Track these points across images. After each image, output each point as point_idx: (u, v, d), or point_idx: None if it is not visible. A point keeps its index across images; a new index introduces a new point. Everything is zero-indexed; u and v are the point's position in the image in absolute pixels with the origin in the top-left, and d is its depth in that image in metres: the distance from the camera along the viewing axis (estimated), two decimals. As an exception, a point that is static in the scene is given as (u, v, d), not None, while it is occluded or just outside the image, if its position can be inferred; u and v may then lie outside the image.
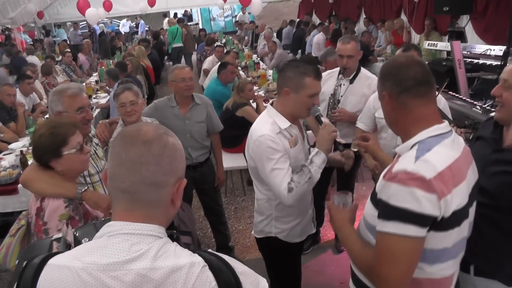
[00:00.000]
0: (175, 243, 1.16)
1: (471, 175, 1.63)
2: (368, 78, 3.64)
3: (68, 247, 1.37)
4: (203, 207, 4.15)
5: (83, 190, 2.13)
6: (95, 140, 2.81)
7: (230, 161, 5.00)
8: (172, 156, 1.17)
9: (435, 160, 1.46)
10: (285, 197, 2.28)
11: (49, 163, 2.12)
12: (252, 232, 2.73)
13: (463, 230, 1.58)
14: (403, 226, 1.42)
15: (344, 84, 3.67)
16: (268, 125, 2.32)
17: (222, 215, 4.15)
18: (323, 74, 3.83)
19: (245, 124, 5.16)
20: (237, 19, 15.41)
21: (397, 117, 1.64)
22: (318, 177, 2.33)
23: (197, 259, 1.12)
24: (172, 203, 1.19)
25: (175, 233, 1.29)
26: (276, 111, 2.38)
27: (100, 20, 14.38)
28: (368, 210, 1.66)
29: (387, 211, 1.47)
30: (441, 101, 3.07)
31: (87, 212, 2.18)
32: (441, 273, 1.58)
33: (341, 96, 3.66)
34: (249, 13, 16.36)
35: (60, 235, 1.45)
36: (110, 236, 1.11)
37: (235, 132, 5.13)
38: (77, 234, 1.37)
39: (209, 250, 1.25)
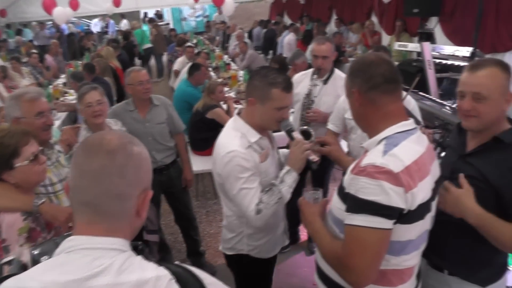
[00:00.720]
0: (140, 256, 1.10)
1: (435, 171, 1.70)
2: (342, 79, 3.50)
3: (23, 268, 1.28)
4: (173, 212, 4.06)
5: (39, 203, 2.02)
6: (57, 147, 2.68)
7: (200, 164, 4.91)
8: (137, 166, 1.12)
9: (402, 155, 1.50)
10: (253, 219, 2.17)
11: (1, 176, 2.00)
12: (220, 247, 2.57)
13: (426, 223, 1.65)
14: (372, 218, 1.47)
15: (318, 85, 3.66)
16: (237, 140, 2.18)
17: (193, 220, 4.06)
18: (297, 75, 3.83)
19: (216, 127, 5.08)
20: (213, 19, 15.27)
21: (365, 113, 1.68)
22: (288, 197, 2.22)
23: (163, 272, 1.06)
24: (137, 214, 1.13)
25: (140, 244, 1.22)
26: (244, 123, 2.24)
27: (68, 19, 14.06)
28: (335, 204, 1.71)
29: (356, 205, 1.51)
30: (411, 103, 3.07)
31: (49, 222, 2.08)
32: (405, 264, 1.65)
33: (315, 97, 3.65)
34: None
35: (11, 257, 1.36)
36: (69, 252, 1.05)
37: (205, 134, 5.04)
38: (35, 253, 1.29)
39: (176, 262, 1.20)
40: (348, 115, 3.07)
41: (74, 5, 11.37)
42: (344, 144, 3.60)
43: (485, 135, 1.84)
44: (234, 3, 10.23)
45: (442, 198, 1.79)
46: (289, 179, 2.20)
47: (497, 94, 1.77)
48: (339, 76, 3.65)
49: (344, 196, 1.59)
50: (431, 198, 1.63)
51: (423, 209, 1.56)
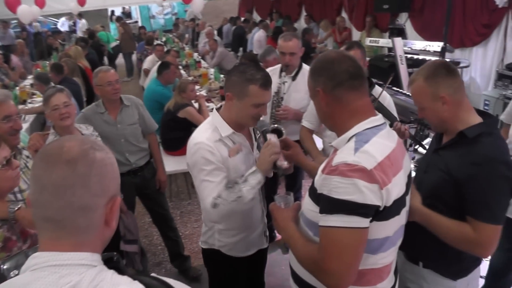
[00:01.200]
0: (112, 270, 1.03)
1: (406, 165, 1.69)
2: None
3: None
4: (150, 213, 3.96)
5: (15, 208, 1.91)
6: (26, 152, 2.57)
7: (173, 164, 4.84)
8: (102, 174, 1.04)
9: (374, 151, 1.48)
10: (209, 212, 2.14)
11: None
12: (200, 241, 2.58)
13: (402, 218, 1.64)
14: (347, 218, 1.42)
15: (286, 82, 3.63)
16: (207, 132, 2.18)
17: (171, 220, 3.95)
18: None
19: (188, 126, 5.02)
20: (187, 16, 15.07)
21: (332, 112, 1.64)
22: (249, 197, 2.14)
23: (137, 286, 1.00)
24: (106, 224, 1.06)
25: (115, 255, 1.15)
26: (219, 117, 2.22)
27: (34, 18, 13.64)
28: (307, 206, 1.65)
29: (330, 205, 1.45)
30: (386, 98, 3.08)
31: (24, 231, 1.97)
32: (382, 262, 1.63)
33: (284, 93, 3.61)
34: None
35: None
36: (35, 270, 0.97)
37: (177, 134, 4.98)
38: (4, 267, 1.21)
39: (153, 274, 1.12)
40: None
41: (40, 4, 11.01)
42: (319, 141, 3.58)
43: (453, 131, 1.90)
44: (203, 1, 10.10)
45: None
46: (253, 180, 2.14)
47: (427, 103, 1.91)
48: (307, 70, 3.61)
49: (317, 197, 1.54)
50: (405, 193, 1.62)
51: (398, 204, 1.54)
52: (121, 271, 1.05)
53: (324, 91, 1.60)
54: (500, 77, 5.68)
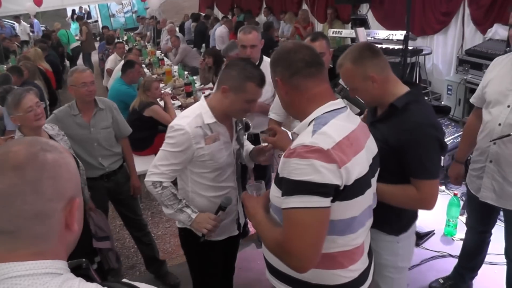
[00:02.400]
0: (79, 278, 0.97)
1: (370, 147, 1.73)
2: None
3: None
4: (122, 219, 3.85)
5: None
6: None
7: (141, 164, 4.70)
8: (55, 176, 0.97)
9: (332, 132, 1.51)
10: (147, 182, 2.35)
11: None
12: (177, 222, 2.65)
13: (368, 198, 1.68)
14: (307, 198, 1.45)
15: None
16: (191, 118, 2.28)
17: (144, 226, 3.85)
18: None
19: (154, 125, 4.95)
20: (147, 14, 14.81)
21: (292, 99, 1.68)
22: (167, 212, 2.39)
23: None
24: (67, 228, 1.00)
25: (84, 261, 1.09)
26: (206, 105, 2.32)
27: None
28: (273, 193, 1.68)
29: (290, 187, 1.49)
30: None
31: None
32: (352, 243, 1.67)
33: None
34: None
35: None
36: None
37: (144, 133, 4.89)
38: None
39: (124, 280, 1.07)
40: None
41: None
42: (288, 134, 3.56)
43: (385, 104, 2.08)
44: (159, -2, 9.97)
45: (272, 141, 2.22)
46: (182, 216, 2.35)
47: (358, 84, 2.05)
48: (269, 62, 3.62)
49: (280, 181, 1.57)
50: (370, 173, 1.65)
51: (361, 184, 1.58)
52: (90, 279, 0.99)
53: (282, 80, 1.66)
54: (461, 62, 5.81)
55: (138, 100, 4.95)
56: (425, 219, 4.18)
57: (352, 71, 2.04)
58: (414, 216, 2.32)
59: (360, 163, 1.57)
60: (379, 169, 1.83)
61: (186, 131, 2.24)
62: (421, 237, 3.91)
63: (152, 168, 2.36)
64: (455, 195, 3.97)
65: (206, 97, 2.40)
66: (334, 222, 1.54)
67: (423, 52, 6.19)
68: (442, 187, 4.70)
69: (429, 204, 2.06)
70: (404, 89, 2.07)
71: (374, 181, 1.75)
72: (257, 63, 3.60)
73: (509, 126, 2.49)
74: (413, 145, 1.95)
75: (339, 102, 1.66)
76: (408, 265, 2.37)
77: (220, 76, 2.34)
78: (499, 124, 2.54)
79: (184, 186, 2.48)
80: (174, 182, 2.46)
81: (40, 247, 0.95)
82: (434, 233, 4.01)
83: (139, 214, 3.81)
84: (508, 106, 2.50)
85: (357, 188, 1.55)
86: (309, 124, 1.59)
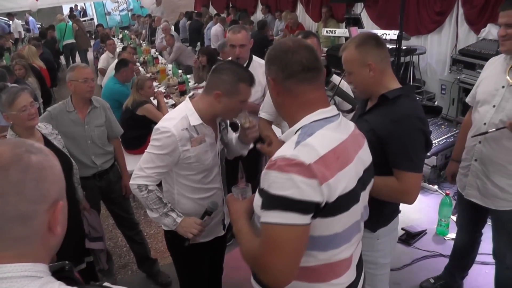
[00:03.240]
0: (59, 282, 0.96)
1: (362, 158, 1.62)
2: (262, 66, 3.58)
3: None
4: (114, 218, 3.84)
5: None
6: None
7: (134, 163, 4.58)
8: (39, 178, 0.97)
9: (316, 144, 1.41)
10: (132, 186, 2.35)
11: None
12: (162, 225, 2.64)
13: (354, 214, 1.55)
14: (285, 214, 1.36)
15: None
16: (177, 120, 2.27)
17: (136, 225, 3.85)
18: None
19: (147, 123, 4.92)
20: (149, 12, 14.77)
21: (283, 101, 1.59)
22: (151, 215, 2.41)
23: None
24: (50, 231, 0.99)
25: (67, 264, 1.08)
26: (191, 107, 2.30)
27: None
28: (256, 202, 1.58)
29: (268, 200, 1.40)
30: (344, 85, 3.09)
31: None
32: (336, 257, 1.56)
33: None
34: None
35: None
36: None
37: (137, 132, 4.88)
38: None
39: (105, 283, 1.05)
40: None
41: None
42: (278, 132, 3.56)
43: (376, 96, 2.11)
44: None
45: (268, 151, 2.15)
46: (167, 219, 2.36)
47: (356, 68, 2.07)
48: (259, 63, 3.66)
49: (260, 192, 1.49)
50: (358, 188, 1.54)
51: (346, 200, 1.46)
52: (73, 281, 0.98)
53: (275, 80, 1.56)
54: (454, 62, 5.83)
55: (131, 99, 4.92)
56: (417, 219, 4.19)
57: (353, 55, 2.07)
58: (395, 212, 2.34)
59: (346, 178, 1.46)
60: (372, 180, 1.74)
61: (173, 133, 2.22)
62: (413, 237, 3.91)
63: (137, 171, 2.35)
64: (447, 194, 3.98)
65: (191, 97, 2.39)
66: (314, 237, 1.45)
67: (417, 52, 6.20)
68: (435, 187, 4.71)
69: (409, 197, 2.08)
70: (397, 85, 2.11)
71: (364, 194, 1.63)
72: (246, 63, 3.61)
73: (493, 126, 2.52)
74: (399, 135, 1.98)
75: (331, 110, 1.56)
76: (388, 261, 2.38)
77: (209, 81, 2.32)
78: (484, 124, 2.57)
79: (170, 189, 2.47)
80: (160, 184, 2.45)
81: (21, 250, 0.94)
82: (426, 233, 4.02)
83: (130, 213, 3.81)
84: (494, 106, 2.53)
85: (340, 204, 1.44)
86: (295, 132, 1.50)
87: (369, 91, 2.15)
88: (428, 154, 4.56)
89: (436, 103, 6.11)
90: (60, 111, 3.32)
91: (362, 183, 1.57)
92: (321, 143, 1.42)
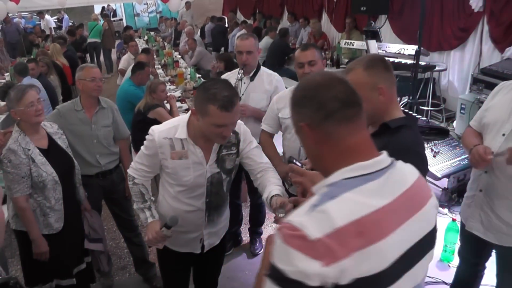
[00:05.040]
0: None
1: (414, 227, 1.25)
2: (269, 75, 3.68)
3: None
4: (114, 218, 3.88)
5: None
6: None
7: (142, 166, 4.72)
8: None
9: (335, 211, 1.13)
10: (129, 176, 2.49)
11: None
12: None
13: None
14: None
15: (245, 82, 3.62)
16: (166, 127, 2.31)
17: (136, 227, 3.88)
18: (223, 76, 3.75)
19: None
20: (179, 15, 14.96)
21: (322, 151, 1.28)
22: (133, 204, 2.54)
23: None
24: None
25: (12, 278, 1.05)
26: (186, 120, 2.30)
27: (16, 14, 13.43)
28: None
29: (270, 264, 1.17)
30: None
31: None
32: None
33: (243, 94, 3.60)
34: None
35: None
36: None
37: (147, 135, 4.88)
38: None
39: None
40: (282, 114, 3.07)
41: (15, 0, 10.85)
42: (279, 146, 3.50)
43: (378, 124, 1.98)
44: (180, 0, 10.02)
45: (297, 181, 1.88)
46: (142, 215, 2.47)
47: (365, 92, 1.68)
48: (266, 72, 3.69)
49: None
50: (399, 268, 1.19)
51: (370, 282, 1.14)
52: None
53: (311, 126, 1.26)
54: (475, 81, 5.66)
55: (144, 102, 4.95)
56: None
57: (362, 77, 1.89)
58: None
59: (373, 257, 1.13)
60: (430, 251, 1.36)
61: (154, 139, 2.29)
62: (415, 261, 3.78)
63: (132, 162, 2.50)
64: (453, 220, 3.83)
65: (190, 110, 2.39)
66: None
67: (437, 69, 6.05)
68: (445, 210, 4.57)
69: None
70: (401, 113, 2.01)
71: (408, 278, 1.24)
72: (253, 72, 3.63)
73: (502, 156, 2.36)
74: None
75: (374, 164, 1.24)
76: None
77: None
78: (492, 152, 2.42)
79: (160, 187, 2.55)
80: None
81: None
82: (429, 258, 3.88)
83: (131, 215, 3.82)
84: (503, 135, 2.38)
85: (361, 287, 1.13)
86: (325, 187, 1.23)
87: (375, 117, 1.96)
88: (440, 176, 4.43)
89: (455, 122, 5.96)
90: (69, 109, 3.41)
91: (407, 260, 1.22)
92: (342, 211, 1.13)
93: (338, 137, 1.25)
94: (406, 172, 1.34)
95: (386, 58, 5.46)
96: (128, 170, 2.52)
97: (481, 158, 2.37)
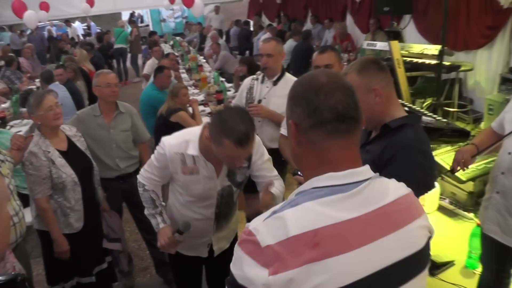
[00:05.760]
0: None
1: (386, 248, 1.13)
2: (293, 82, 3.52)
3: None
4: (135, 221, 3.95)
5: None
6: (0, 157, 2.63)
7: (165, 169, 4.77)
8: None
9: (292, 220, 1.06)
10: (139, 183, 2.52)
11: None
12: None
13: None
14: None
15: (268, 86, 3.60)
16: (177, 141, 2.27)
17: None
18: (246, 79, 3.75)
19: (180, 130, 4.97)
20: (209, 19, 15.15)
21: (302, 155, 1.22)
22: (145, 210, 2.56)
23: None
24: None
25: (20, 275, 1.08)
26: (198, 134, 2.24)
27: (47, 22, 13.80)
28: None
29: (230, 268, 1.15)
30: None
31: None
32: None
33: (265, 98, 3.57)
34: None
35: None
36: None
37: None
38: None
39: None
40: None
41: (45, 8, 11.14)
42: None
43: (379, 126, 1.96)
44: (203, 5, 10.12)
45: None
46: (153, 220, 2.52)
47: (360, 95, 1.55)
48: (291, 78, 3.61)
49: None
50: (367, 284, 1.08)
51: None
52: None
53: (298, 127, 1.19)
54: (504, 81, 5.53)
55: (166, 106, 5.01)
56: (444, 248, 3.94)
57: (356, 81, 1.84)
58: None
59: (332, 270, 1.04)
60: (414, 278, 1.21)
61: (165, 153, 2.27)
62: (438, 267, 3.68)
63: (142, 169, 2.52)
64: (478, 225, 3.72)
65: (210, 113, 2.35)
66: None
67: (462, 68, 5.91)
68: (471, 214, 4.44)
69: None
70: (402, 112, 1.97)
71: None
72: (278, 76, 3.58)
73: None
74: (394, 166, 1.81)
75: (346, 175, 1.15)
76: None
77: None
78: (509, 153, 2.36)
79: (170, 193, 2.57)
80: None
81: None
82: (453, 264, 3.77)
83: None
84: None
85: None
86: (294, 195, 1.18)
87: (375, 121, 1.93)
88: (464, 179, 4.32)
89: (482, 123, 5.81)
90: (88, 115, 3.50)
91: (383, 280, 1.12)
92: (299, 220, 1.07)
93: (321, 148, 1.17)
94: (390, 188, 1.22)
95: (410, 59, 5.36)
96: (138, 177, 2.52)
97: (460, 162, 2.53)
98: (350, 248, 1.07)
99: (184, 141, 2.25)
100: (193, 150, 2.23)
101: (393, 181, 1.27)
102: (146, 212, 2.52)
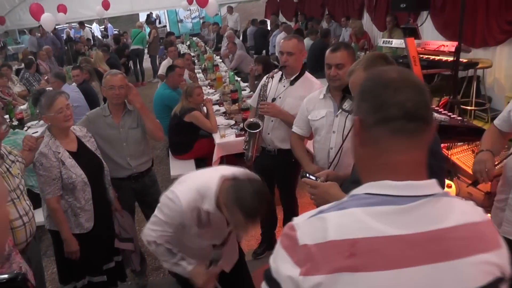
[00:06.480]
0: None
1: (431, 277, 0.99)
2: (311, 83, 3.50)
3: None
4: (147, 220, 3.93)
5: None
6: (11, 157, 2.65)
7: (179, 168, 4.80)
8: None
9: (333, 224, 1.02)
10: (143, 240, 2.39)
11: None
12: None
13: None
14: (263, 285, 1.09)
15: (284, 86, 3.53)
16: (193, 194, 2.19)
17: None
18: (265, 77, 3.67)
19: (194, 130, 4.99)
20: (227, 19, 15.21)
21: (365, 156, 1.14)
22: (164, 264, 2.45)
23: None
24: None
25: (21, 274, 1.08)
26: (216, 189, 2.14)
27: (62, 25, 13.97)
28: None
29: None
30: None
31: None
32: None
33: (280, 97, 3.50)
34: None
35: None
36: None
37: (184, 138, 4.99)
38: None
39: None
40: (312, 116, 2.96)
41: (62, 10, 11.30)
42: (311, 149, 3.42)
43: None
44: (217, 4, 10.14)
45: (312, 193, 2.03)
46: (179, 268, 2.36)
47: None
48: (309, 79, 3.53)
49: None
50: None
51: None
52: None
53: (362, 123, 1.11)
54: (524, 78, 5.39)
55: (180, 105, 5.04)
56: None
57: (363, 78, 1.81)
58: None
59: (362, 286, 0.97)
60: None
61: (182, 209, 2.19)
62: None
63: (146, 230, 2.35)
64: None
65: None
66: None
67: (480, 65, 5.79)
68: (488, 215, 4.33)
69: None
70: None
71: None
72: (295, 76, 3.50)
73: None
74: None
75: (404, 187, 1.04)
76: None
77: None
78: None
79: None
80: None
81: None
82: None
83: None
84: None
85: None
86: (348, 197, 1.12)
87: None
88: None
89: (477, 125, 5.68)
90: (97, 115, 3.51)
91: None
92: (341, 226, 1.01)
93: (384, 149, 1.08)
94: (455, 210, 1.06)
95: (426, 56, 5.26)
96: (145, 237, 2.37)
97: (483, 173, 2.35)
98: (387, 267, 0.98)
99: (200, 194, 2.18)
100: (209, 205, 2.18)
101: (464, 204, 1.11)
102: (166, 265, 2.43)
